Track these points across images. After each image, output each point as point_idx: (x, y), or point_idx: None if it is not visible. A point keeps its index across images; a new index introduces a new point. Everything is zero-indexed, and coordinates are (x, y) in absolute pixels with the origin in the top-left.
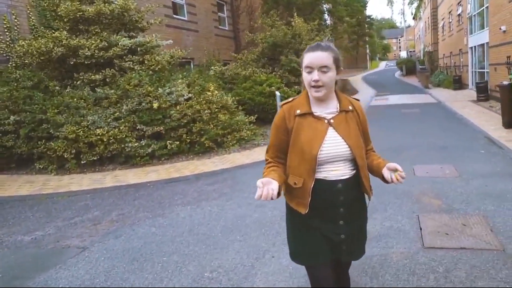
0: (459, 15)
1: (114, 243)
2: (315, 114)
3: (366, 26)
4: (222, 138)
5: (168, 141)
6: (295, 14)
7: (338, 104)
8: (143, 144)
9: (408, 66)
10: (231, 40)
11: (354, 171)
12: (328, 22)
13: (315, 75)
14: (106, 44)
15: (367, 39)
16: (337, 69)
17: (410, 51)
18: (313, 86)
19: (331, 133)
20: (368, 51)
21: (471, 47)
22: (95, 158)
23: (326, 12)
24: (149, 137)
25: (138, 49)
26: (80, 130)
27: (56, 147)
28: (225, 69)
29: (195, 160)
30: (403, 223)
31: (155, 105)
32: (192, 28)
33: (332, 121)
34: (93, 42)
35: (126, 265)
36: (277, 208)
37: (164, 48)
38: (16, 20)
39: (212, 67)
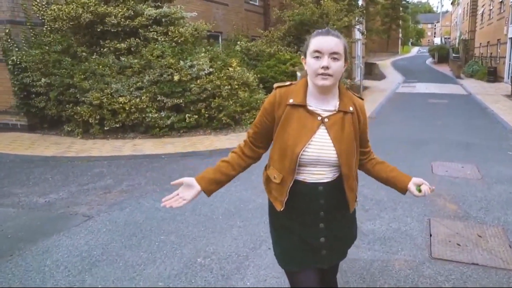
0: (501, 2)
1: (118, 215)
2: (309, 107)
3: (401, 9)
4: (240, 115)
5: (187, 114)
6: None
7: (338, 102)
8: (163, 115)
9: (441, 54)
10: (260, 16)
11: (337, 174)
12: (360, 2)
13: (325, 61)
14: (132, 13)
15: (400, 22)
16: (346, 61)
17: (445, 38)
18: (321, 74)
19: (321, 134)
20: (400, 35)
21: (511, 38)
22: (118, 125)
23: None
24: (169, 109)
25: (163, 20)
26: (104, 97)
27: (82, 112)
28: (251, 45)
29: (211, 135)
30: (411, 226)
31: (176, 78)
32: (222, 1)
33: (326, 120)
34: (119, 10)
35: (124, 239)
36: None
37: (190, 20)
38: None
39: (239, 42)
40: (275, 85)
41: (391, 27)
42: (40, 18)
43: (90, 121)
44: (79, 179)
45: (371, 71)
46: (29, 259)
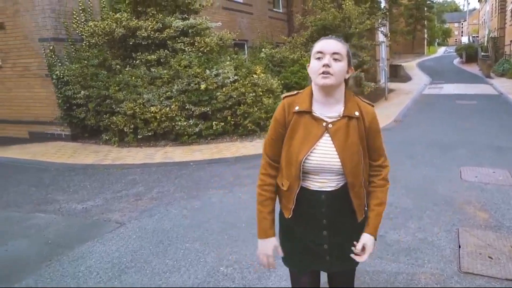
0: None
1: (147, 222)
2: (314, 114)
3: (426, 9)
4: (265, 122)
5: (214, 122)
6: None
7: (342, 108)
8: (191, 123)
9: (469, 53)
10: (284, 23)
11: (342, 183)
12: (383, 4)
13: (326, 59)
14: (161, 26)
15: (425, 23)
16: (349, 66)
17: (473, 37)
18: (322, 72)
19: (325, 141)
20: (426, 35)
21: None
22: (150, 134)
23: None
24: (197, 117)
25: (190, 31)
26: (137, 107)
27: (117, 121)
28: (275, 52)
29: (237, 142)
30: (439, 236)
31: (203, 86)
32: (246, 10)
33: (330, 126)
34: (149, 23)
35: (152, 247)
36: None
37: (215, 30)
38: (89, 2)
39: (263, 50)
40: (283, 95)
41: (416, 28)
42: (80, 34)
43: (125, 130)
44: (113, 186)
45: (396, 73)
46: (66, 265)
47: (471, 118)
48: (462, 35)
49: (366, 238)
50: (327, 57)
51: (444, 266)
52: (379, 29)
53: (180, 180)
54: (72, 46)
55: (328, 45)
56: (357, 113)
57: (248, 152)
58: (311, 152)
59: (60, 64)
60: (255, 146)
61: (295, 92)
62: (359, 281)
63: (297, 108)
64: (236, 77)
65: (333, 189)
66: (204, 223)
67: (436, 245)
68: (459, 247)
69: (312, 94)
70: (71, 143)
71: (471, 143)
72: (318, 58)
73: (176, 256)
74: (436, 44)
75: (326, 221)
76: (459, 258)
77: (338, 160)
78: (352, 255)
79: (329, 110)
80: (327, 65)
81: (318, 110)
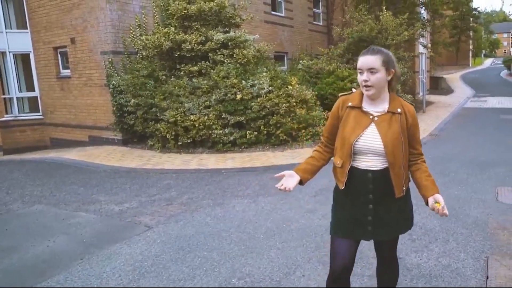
0: None
1: (173, 227)
2: (363, 109)
3: (471, 19)
4: (297, 132)
5: (248, 131)
6: (384, 7)
7: (387, 105)
8: (227, 132)
9: None
10: (324, 35)
11: (385, 165)
12: (424, 15)
13: (365, 76)
14: (204, 39)
15: (471, 34)
16: (388, 71)
17: None
18: (364, 86)
19: (371, 128)
20: (471, 47)
21: None
22: (189, 141)
23: (420, 4)
24: (232, 126)
25: (229, 43)
26: (178, 115)
27: (161, 128)
28: (312, 64)
29: (269, 151)
30: (465, 264)
31: (238, 97)
32: (287, 23)
33: (376, 118)
34: (193, 37)
35: (173, 252)
36: (326, 217)
37: (254, 42)
38: (145, 19)
39: (301, 61)
40: (340, 94)
41: (460, 39)
42: (134, 47)
43: (167, 137)
44: (150, 190)
45: (437, 86)
46: (94, 264)
47: None
48: (511, 46)
49: (437, 196)
50: (365, 73)
51: None
52: (419, 40)
53: (210, 187)
54: (127, 59)
55: (364, 62)
56: (399, 110)
57: (278, 162)
58: (360, 136)
59: (116, 75)
60: (285, 156)
61: (350, 92)
62: None
63: (350, 104)
64: (270, 88)
65: (378, 168)
66: (224, 232)
67: (460, 273)
68: (487, 278)
69: (363, 94)
70: (121, 147)
71: None
72: (360, 73)
73: (193, 264)
74: (482, 55)
75: (372, 196)
76: None
77: (381, 143)
78: (436, 210)
79: (376, 107)
80: (365, 80)
81: (367, 106)
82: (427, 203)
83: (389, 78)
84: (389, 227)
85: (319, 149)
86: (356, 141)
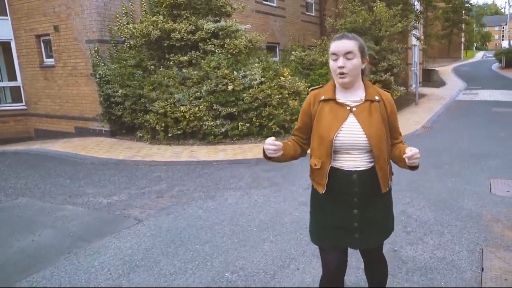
0: None
1: (163, 220)
2: (338, 100)
3: (463, 12)
4: (290, 124)
5: (239, 123)
6: None
7: (364, 94)
8: (218, 123)
9: (509, 58)
10: (316, 26)
11: (372, 164)
12: (417, 7)
13: (340, 61)
14: (194, 28)
15: (463, 26)
16: (363, 58)
17: None
18: (339, 73)
19: (351, 120)
20: (463, 39)
21: None
22: (179, 132)
23: None
24: (224, 117)
25: (220, 33)
26: (168, 106)
27: (150, 120)
28: (305, 55)
29: (262, 143)
30: (460, 256)
31: (230, 88)
32: (279, 14)
33: (354, 109)
34: (183, 26)
35: (164, 246)
36: None
37: (245, 32)
38: (132, 6)
39: (293, 53)
40: (310, 89)
41: (452, 32)
42: (121, 36)
43: (156, 128)
44: (139, 182)
45: (429, 78)
46: (81, 259)
47: (507, 126)
48: (502, 39)
49: (409, 148)
50: (341, 59)
51: None
52: (412, 32)
53: (201, 180)
54: (114, 48)
55: (341, 46)
56: (377, 97)
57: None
58: (339, 131)
59: (103, 64)
60: None
61: (321, 85)
62: None
63: (322, 97)
64: (262, 79)
65: (363, 168)
66: (217, 225)
67: (456, 265)
68: (482, 269)
69: (335, 85)
70: (109, 138)
71: (505, 154)
72: (334, 60)
73: (185, 257)
74: (474, 48)
75: (357, 200)
76: (481, 283)
77: (364, 135)
78: (407, 159)
79: (351, 96)
80: (341, 67)
81: (342, 97)
82: (406, 166)
83: (363, 66)
84: (377, 232)
85: (292, 139)
86: (336, 136)
